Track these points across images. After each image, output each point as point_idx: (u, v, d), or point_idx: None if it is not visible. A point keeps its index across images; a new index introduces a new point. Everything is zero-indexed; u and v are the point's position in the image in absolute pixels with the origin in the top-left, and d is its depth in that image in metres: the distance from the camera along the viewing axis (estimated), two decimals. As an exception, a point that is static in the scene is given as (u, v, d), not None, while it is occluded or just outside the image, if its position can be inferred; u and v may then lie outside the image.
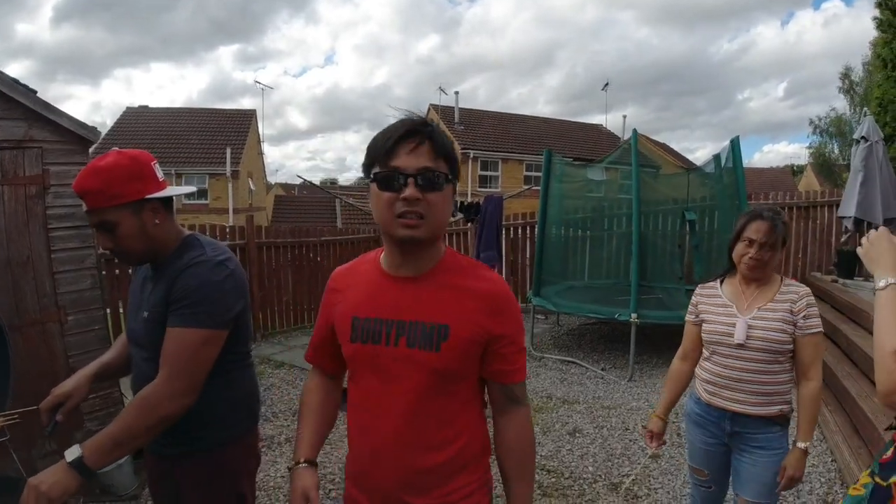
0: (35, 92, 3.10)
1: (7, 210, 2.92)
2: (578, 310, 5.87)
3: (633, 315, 4.98)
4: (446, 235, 7.49)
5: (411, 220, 1.03)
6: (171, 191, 1.39)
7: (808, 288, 1.87)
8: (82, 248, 3.27)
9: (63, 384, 1.46)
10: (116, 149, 1.36)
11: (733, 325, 1.85)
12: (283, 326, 7.26)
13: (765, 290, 1.88)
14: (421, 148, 1.03)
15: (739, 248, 1.87)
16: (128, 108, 21.68)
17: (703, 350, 1.99)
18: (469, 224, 7.74)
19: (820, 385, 1.80)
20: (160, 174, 1.38)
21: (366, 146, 1.10)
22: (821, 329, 1.81)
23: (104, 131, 19.82)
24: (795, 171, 36.60)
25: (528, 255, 8.11)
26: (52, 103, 3.10)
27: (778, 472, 1.78)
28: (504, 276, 8.03)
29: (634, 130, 5.35)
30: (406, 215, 1.03)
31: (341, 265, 1.29)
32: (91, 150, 3.40)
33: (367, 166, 1.08)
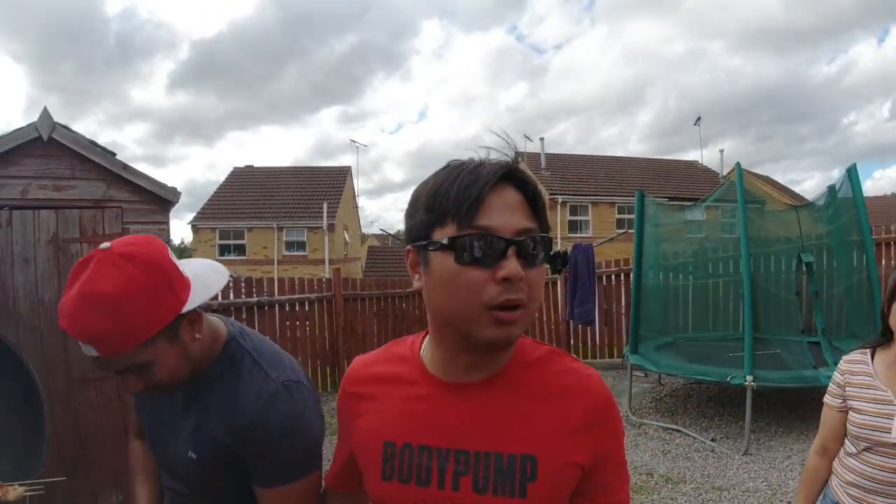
0: (114, 154, 3.26)
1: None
2: (683, 370, 5.24)
3: (749, 377, 4.33)
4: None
5: (513, 312, 0.68)
6: (205, 288, 0.99)
7: None
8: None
9: None
10: (106, 245, 0.89)
11: (889, 416, 1.44)
12: (368, 379, 7.19)
13: None
14: (511, 201, 0.69)
15: None
16: (234, 167, 23.55)
17: (848, 444, 1.57)
18: (557, 275, 7.39)
19: None
20: (176, 260, 0.98)
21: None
22: None
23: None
24: None
25: (623, 305, 7.58)
26: (160, 168, 3.27)
27: None
28: (597, 328, 7.54)
29: (738, 164, 4.83)
30: (506, 305, 0.67)
31: (364, 355, 0.92)
32: (196, 205, 3.54)
33: (421, 226, 0.72)
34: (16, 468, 1.63)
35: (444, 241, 0.68)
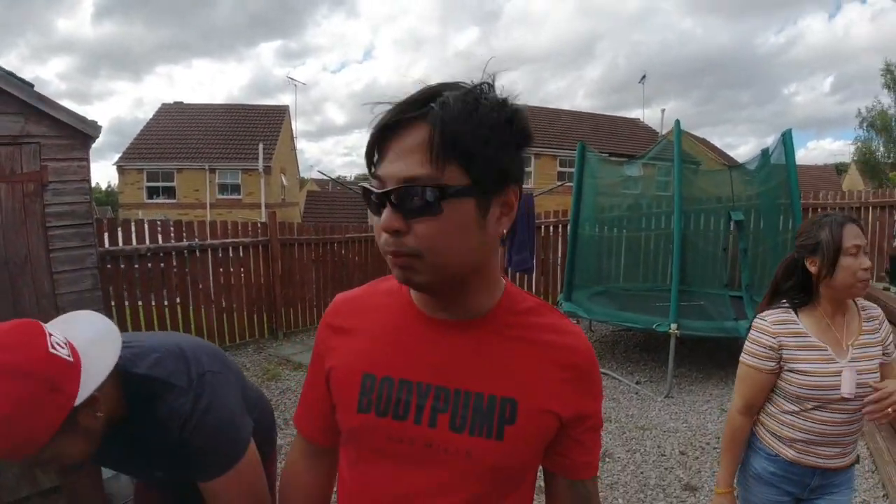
0: (32, 86, 2.96)
1: (4, 208, 2.79)
2: (613, 317, 5.48)
3: (674, 325, 4.57)
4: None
5: (400, 259, 0.68)
6: (96, 373, 0.92)
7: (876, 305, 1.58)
8: (82, 246, 3.13)
9: None
10: None
11: (837, 374, 1.47)
12: (306, 325, 7.11)
13: (849, 318, 1.54)
14: (407, 144, 0.65)
15: (847, 263, 1.46)
16: (163, 104, 22.02)
17: (783, 402, 1.58)
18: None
19: None
20: (62, 346, 0.90)
21: None
22: None
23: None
24: (839, 170, 34.85)
25: (559, 255, 7.75)
26: (87, 104, 3.00)
27: None
28: (535, 277, 7.70)
29: (677, 122, 4.93)
30: (392, 254, 0.68)
31: (346, 291, 0.90)
32: (122, 144, 3.25)
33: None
34: None
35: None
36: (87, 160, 3.17)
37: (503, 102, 0.68)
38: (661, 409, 4.37)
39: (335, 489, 0.91)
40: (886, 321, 1.59)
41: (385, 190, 0.66)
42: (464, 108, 0.64)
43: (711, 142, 27.66)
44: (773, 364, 1.55)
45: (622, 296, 6.28)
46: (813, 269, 1.52)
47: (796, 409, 1.55)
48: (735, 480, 1.68)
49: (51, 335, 0.90)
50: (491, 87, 0.69)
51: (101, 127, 3.16)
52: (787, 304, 1.59)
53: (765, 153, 5.52)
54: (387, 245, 0.67)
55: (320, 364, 0.85)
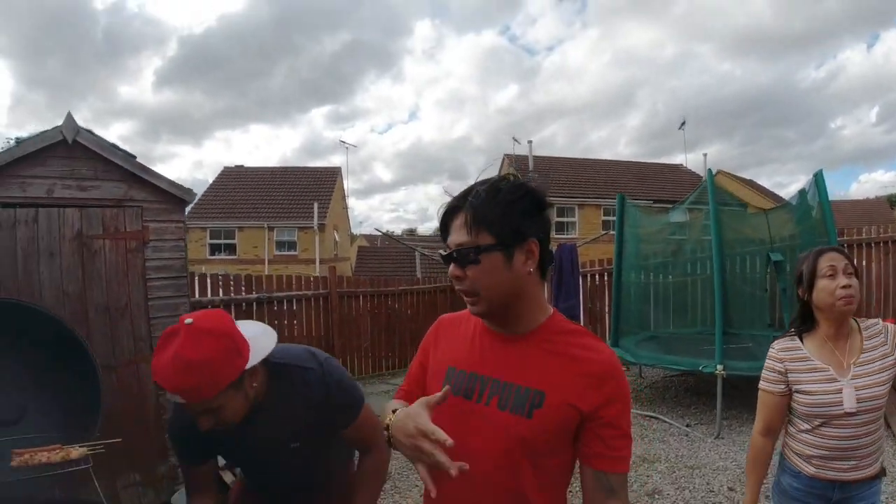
0: (134, 157, 3.48)
1: (108, 261, 3.26)
2: (659, 361, 5.58)
3: (719, 367, 4.67)
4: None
5: (466, 297, 1.06)
6: (261, 349, 1.30)
7: (879, 320, 1.71)
8: (176, 296, 3.57)
9: None
10: (189, 320, 1.17)
11: (838, 392, 1.62)
12: (362, 373, 7.42)
13: (851, 340, 1.68)
14: (457, 223, 1.04)
15: (823, 284, 1.64)
16: (225, 167, 23.63)
17: (799, 422, 1.74)
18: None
19: None
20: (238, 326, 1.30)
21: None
22: None
23: (205, 187, 21.72)
24: (892, 201, 33.18)
25: (606, 303, 7.88)
26: (149, 166, 3.46)
27: None
28: (582, 324, 7.85)
29: (709, 170, 5.18)
30: (460, 292, 1.07)
31: (449, 314, 1.29)
32: (188, 208, 3.76)
33: None
34: (73, 433, 1.87)
35: None
36: (184, 222, 3.66)
37: (519, 185, 1.05)
38: (710, 449, 4.42)
39: None
40: (892, 329, 1.67)
41: (448, 252, 1.06)
42: (487, 195, 1.02)
43: (759, 182, 27.17)
44: (782, 387, 1.72)
45: (669, 340, 6.36)
46: (803, 296, 1.72)
47: (808, 427, 1.69)
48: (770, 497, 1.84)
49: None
50: (515, 176, 1.08)
51: (195, 194, 3.68)
52: (793, 333, 1.78)
53: (802, 193, 5.63)
54: (456, 286, 1.07)
55: (424, 356, 1.26)
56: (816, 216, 5.34)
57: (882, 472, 1.70)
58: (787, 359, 1.72)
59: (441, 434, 0.91)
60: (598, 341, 1.10)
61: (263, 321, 6.25)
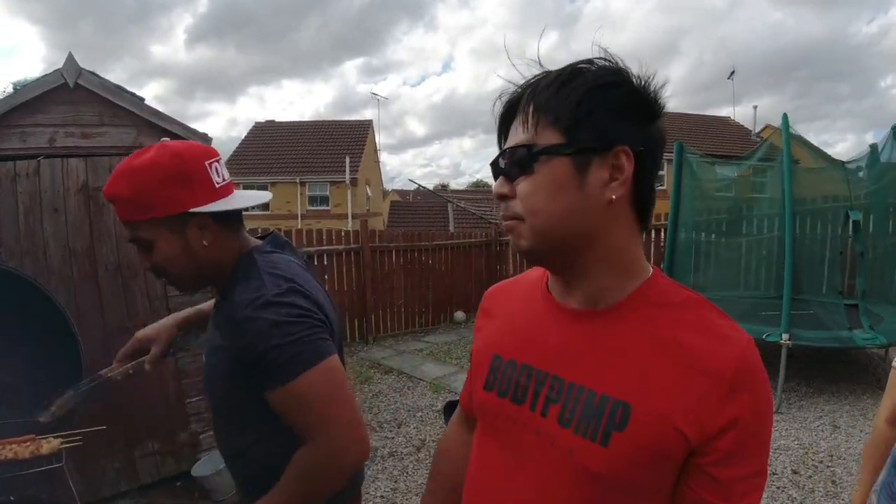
0: (143, 99, 3.18)
1: (117, 216, 3.02)
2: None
3: (785, 336, 4.23)
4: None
5: (508, 223, 0.71)
6: (227, 203, 1.03)
7: None
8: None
9: (148, 327, 1.28)
10: (167, 139, 1.06)
11: None
12: (395, 330, 7.26)
13: None
14: (518, 121, 0.70)
15: None
16: (256, 123, 23.45)
17: None
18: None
19: None
20: (220, 176, 1.04)
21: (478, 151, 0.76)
22: None
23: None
24: None
25: (657, 263, 7.44)
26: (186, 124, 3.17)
27: None
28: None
29: (785, 115, 4.59)
30: (503, 218, 0.72)
31: (502, 280, 0.93)
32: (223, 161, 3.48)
33: None
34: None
35: None
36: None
37: (615, 70, 0.68)
38: (771, 425, 4.05)
39: None
40: None
41: (494, 159, 0.72)
42: (556, 79, 0.67)
43: (808, 138, 25.57)
44: None
45: (728, 304, 5.89)
46: None
47: None
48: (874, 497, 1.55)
49: (219, 163, 1.05)
50: (606, 59, 0.69)
51: (211, 139, 3.37)
52: None
53: (873, 150, 5.06)
54: (501, 215, 0.71)
55: (475, 343, 0.90)
56: (890, 177, 4.79)
57: None
58: None
59: None
60: (727, 319, 0.69)
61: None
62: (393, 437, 3.95)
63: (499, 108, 0.73)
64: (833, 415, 4.12)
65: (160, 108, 3.15)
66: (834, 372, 4.89)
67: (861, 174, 5.60)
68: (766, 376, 0.65)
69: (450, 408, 2.16)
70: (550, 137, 0.66)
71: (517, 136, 0.69)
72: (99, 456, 2.87)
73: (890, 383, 1.52)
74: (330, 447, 0.96)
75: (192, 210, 0.99)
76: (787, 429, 3.96)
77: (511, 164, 0.69)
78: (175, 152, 0.99)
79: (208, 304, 1.33)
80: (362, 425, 1.01)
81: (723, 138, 20.75)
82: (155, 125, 3.10)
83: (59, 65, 2.91)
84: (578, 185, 0.66)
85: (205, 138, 3.29)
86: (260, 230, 1.29)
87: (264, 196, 1.20)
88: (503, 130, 0.73)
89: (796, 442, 3.72)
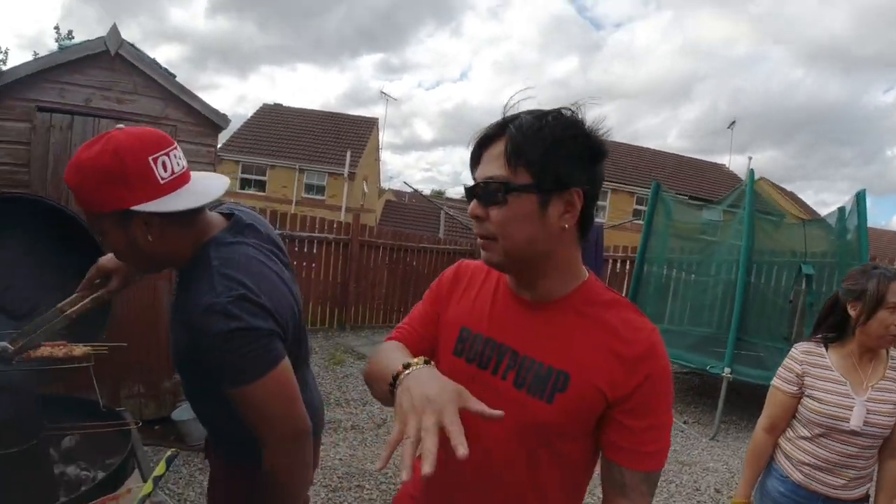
0: (174, 76, 3.47)
1: None
2: (669, 355, 5.52)
3: (727, 370, 4.62)
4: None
5: (481, 241, 0.90)
6: (172, 200, 1.01)
7: None
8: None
9: (109, 256, 1.25)
10: (121, 126, 1.03)
11: (850, 408, 1.61)
12: (373, 322, 7.55)
13: (876, 363, 1.67)
14: (492, 153, 0.87)
15: (883, 316, 1.58)
16: (264, 104, 23.65)
17: (800, 427, 1.74)
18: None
19: None
20: (167, 171, 1.01)
21: None
22: None
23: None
24: None
25: (624, 291, 7.80)
26: (190, 89, 3.45)
27: None
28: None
29: (751, 171, 5.02)
30: (477, 235, 0.90)
31: (475, 261, 1.08)
32: (222, 137, 3.76)
33: None
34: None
35: None
36: (215, 147, 3.67)
37: (573, 123, 0.85)
38: (704, 449, 4.41)
39: None
40: None
41: (471, 185, 0.90)
42: (532, 126, 0.83)
43: (802, 197, 26.26)
44: (794, 388, 1.72)
45: (682, 336, 6.29)
46: (853, 312, 1.66)
47: (808, 434, 1.70)
48: (753, 496, 1.84)
49: (168, 156, 1.03)
50: (571, 111, 0.87)
51: (230, 119, 3.68)
52: (820, 339, 1.75)
53: (841, 211, 5.47)
54: (475, 229, 0.90)
55: (437, 303, 1.07)
56: (852, 237, 5.20)
57: (865, 499, 1.70)
58: (808, 363, 1.72)
59: (489, 411, 0.72)
60: (640, 315, 0.93)
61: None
62: (357, 414, 4.25)
63: (475, 137, 0.90)
64: (763, 448, 4.47)
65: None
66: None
67: (820, 233, 6.01)
68: (666, 354, 0.90)
69: None
70: (523, 177, 0.83)
71: (492, 167, 0.86)
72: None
73: (769, 398, 1.82)
74: (282, 446, 1.05)
75: (132, 209, 0.99)
76: (719, 454, 4.31)
77: (487, 193, 0.86)
78: (116, 149, 0.97)
79: None
80: (301, 408, 1.07)
81: (711, 183, 21.27)
82: (181, 100, 3.40)
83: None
84: (541, 216, 0.85)
85: (224, 118, 3.59)
86: (225, 204, 1.30)
87: (217, 190, 1.11)
88: (476, 156, 0.90)
89: (724, 466, 4.07)
